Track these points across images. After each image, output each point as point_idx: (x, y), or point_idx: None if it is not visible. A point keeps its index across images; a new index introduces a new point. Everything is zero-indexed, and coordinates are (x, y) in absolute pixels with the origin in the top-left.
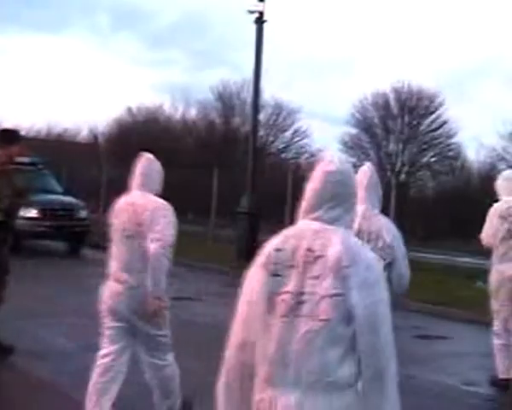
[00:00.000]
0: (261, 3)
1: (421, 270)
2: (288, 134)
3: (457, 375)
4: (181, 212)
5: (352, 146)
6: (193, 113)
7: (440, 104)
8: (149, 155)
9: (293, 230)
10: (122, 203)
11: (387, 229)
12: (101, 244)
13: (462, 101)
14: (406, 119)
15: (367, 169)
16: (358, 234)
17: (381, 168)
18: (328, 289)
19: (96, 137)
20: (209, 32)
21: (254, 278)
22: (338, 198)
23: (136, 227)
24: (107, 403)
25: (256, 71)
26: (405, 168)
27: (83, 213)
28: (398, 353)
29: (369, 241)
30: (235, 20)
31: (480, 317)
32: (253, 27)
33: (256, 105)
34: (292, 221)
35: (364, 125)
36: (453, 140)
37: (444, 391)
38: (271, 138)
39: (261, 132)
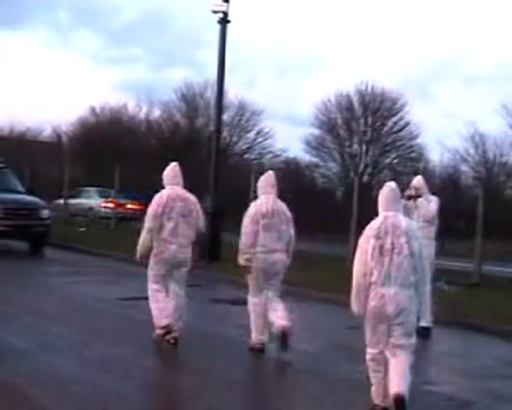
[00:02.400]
0: (225, 4)
1: None
2: (251, 135)
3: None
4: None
5: (316, 146)
6: (157, 113)
7: (403, 106)
8: (176, 163)
9: (381, 217)
10: (172, 194)
11: (286, 209)
12: (62, 243)
13: (424, 103)
14: (369, 120)
15: (270, 174)
16: (273, 211)
17: (344, 169)
18: (404, 241)
19: (59, 137)
20: (171, 31)
21: (367, 241)
22: (397, 200)
23: (187, 210)
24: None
25: (220, 71)
26: (368, 169)
27: (45, 213)
28: (351, 351)
29: (278, 215)
30: (198, 19)
31: (439, 317)
32: (217, 27)
33: (220, 105)
34: None
35: (328, 126)
36: (415, 142)
37: None
38: (235, 139)
39: (225, 133)
